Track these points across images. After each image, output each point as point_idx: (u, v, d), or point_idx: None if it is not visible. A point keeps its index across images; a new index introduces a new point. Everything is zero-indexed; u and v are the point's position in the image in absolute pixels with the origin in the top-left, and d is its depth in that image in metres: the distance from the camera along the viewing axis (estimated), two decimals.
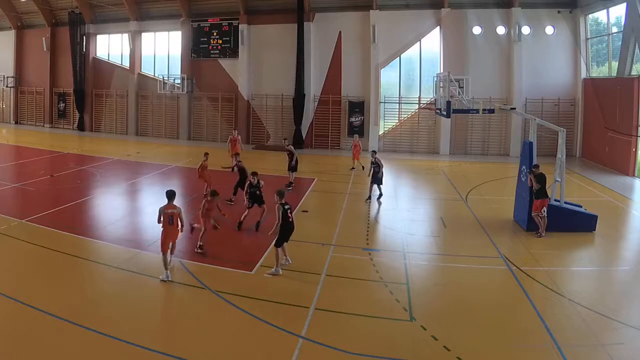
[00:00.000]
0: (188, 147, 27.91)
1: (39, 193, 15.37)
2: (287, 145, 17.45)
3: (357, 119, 26.82)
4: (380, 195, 15.34)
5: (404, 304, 8.12)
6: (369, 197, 15.25)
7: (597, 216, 12.21)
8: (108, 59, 33.32)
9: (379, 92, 26.57)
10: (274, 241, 9.49)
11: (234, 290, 8.36)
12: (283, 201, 9.40)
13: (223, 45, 29.18)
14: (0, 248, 10.35)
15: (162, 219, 8.91)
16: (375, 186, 15.35)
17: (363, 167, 20.82)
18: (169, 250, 9.12)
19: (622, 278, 9.74)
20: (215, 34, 29.28)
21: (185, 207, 14.12)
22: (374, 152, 16.39)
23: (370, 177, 15.34)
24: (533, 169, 11.75)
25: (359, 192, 16.49)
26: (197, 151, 25.81)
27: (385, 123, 27.18)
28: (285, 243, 9.50)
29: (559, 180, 12.16)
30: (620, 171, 19.98)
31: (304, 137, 27.29)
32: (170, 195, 9.28)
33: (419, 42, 26.15)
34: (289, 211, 9.37)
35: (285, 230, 9.36)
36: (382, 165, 15.31)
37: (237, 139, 20.07)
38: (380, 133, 26.87)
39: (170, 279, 8.84)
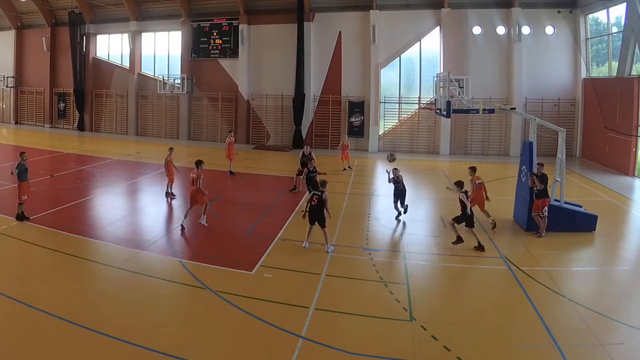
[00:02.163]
0: (188, 147, 27.90)
1: (39, 193, 15.35)
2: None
3: (357, 119, 26.83)
4: (399, 214, 13.42)
5: (404, 304, 8.12)
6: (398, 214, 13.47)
7: (597, 216, 12.21)
8: (108, 59, 33.34)
9: (379, 92, 26.58)
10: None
11: (234, 290, 8.36)
12: (321, 189, 10.73)
13: (223, 45, 29.19)
14: (0, 248, 10.35)
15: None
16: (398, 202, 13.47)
17: (350, 167, 20.68)
18: (190, 207, 12.09)
19: (622, 278, 9.73)
20: (215, 34, 29.29)
21: (186, 207, 14.13)
22: (395, 169, 13.74)
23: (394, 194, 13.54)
24: (538, 167, 11.69)
25: (359, 192, 16.50)
26: (197, 151, 25.86)
27: (385, 123, 27.18)
28: (311, 225, 10.71)
29: (559, 180, 12.16)
30: (620, 171, 19.98)
31: (304, 137, 27.30)
32: (196, 162, 12.27)
33: (419, 42, 26.16)
34: (314, 197, 10.65)
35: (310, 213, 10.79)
36: (399, 180, 13.39)
37: (231, 142, 19.23)
38: (380, 133, 26.87)
39: (183, 226, 11.81)
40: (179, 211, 13.70)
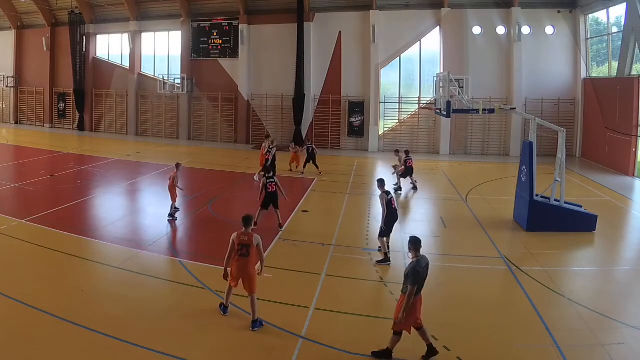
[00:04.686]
0: (188, 147, 27.92)
1: (39, 193, 15.37)
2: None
3: (357, 119, 26.84)
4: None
5: None
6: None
7: (597, 216, 12.21)
8: (108, 59, 33.34)
9: (379, 92, 26.57)
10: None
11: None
12: (268, 173, 12.47)
13: (223, 45, 29.19)
14: (0, 248, 10.35)
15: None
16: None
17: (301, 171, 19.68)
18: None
19: (622, 278, 9.73)
20: (215, 34, 29.29)
21: (186, 207, 14.15)
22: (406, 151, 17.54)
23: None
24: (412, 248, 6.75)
25: (359, 192, 16.50)
26: (197, 151, 25.90)
27: (385, 123, 27.18)
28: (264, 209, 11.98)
29: (559, 180, 12.16)
30: (620, 171, 19.98)
31: (304, 137, 27.27)
32: (175, 165, 13.05)
33: (419, 42, 26.16)
34: (271, 183, 11.91)
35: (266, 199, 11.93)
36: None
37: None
38: (380, 133, 26.86)
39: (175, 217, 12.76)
40: (180, 211, 13.69)
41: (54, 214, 12.97)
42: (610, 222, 13.08)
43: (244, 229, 7.45)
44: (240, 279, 7.34)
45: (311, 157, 19.53)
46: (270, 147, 17.60)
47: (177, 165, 13.20)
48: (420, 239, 6.71)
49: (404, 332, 6.46)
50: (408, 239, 6.75)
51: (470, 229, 12.47)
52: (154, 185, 17.35)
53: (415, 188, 16.95)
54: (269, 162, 17.36)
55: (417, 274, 6.38)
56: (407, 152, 17.33)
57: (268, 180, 11.96)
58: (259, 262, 7.45)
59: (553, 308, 8.04)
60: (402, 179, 17.06)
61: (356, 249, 10.82)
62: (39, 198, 14.83)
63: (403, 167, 16.84)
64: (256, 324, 7.22)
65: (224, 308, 7.60)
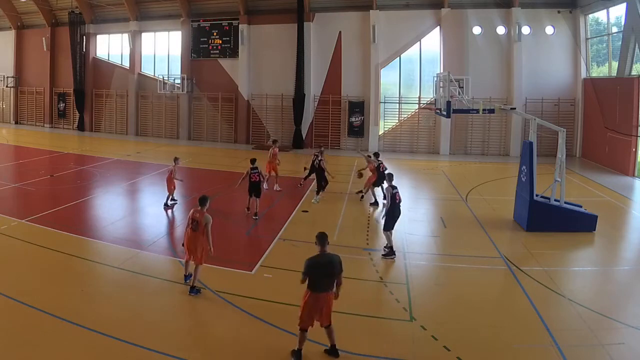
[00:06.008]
0: (188, 147, 27.92)
1: (39, 193, 15.37)
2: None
3: (357, 119, 26.85)
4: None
5: (404, 304, 8.12)
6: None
7: (597, 216, 12.21)
8: (108, 59, 33.33)
9: (379, 92, 26.57)
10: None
11: (234, 290, 8.36)
12: (252, 164, 13.12)
13: (223, 45, 29.19)
14: (0, 248, 10.35)
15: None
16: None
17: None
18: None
19: (622, 278, 9.73)
20: (215, 33, 29.29)
21: (186, 207, 14.15)
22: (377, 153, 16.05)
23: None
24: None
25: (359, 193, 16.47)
26: (197, 151, 25.90)
27: (385, 123, 27.18)
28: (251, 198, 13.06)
29: (559, 180, 12.16)
30: (620, 171, 19.98)
31: (304, 137, 27.31)
32: (174, 159, 14.10)
33: (419, 42, 26.16)
34: (255, 174, 12.95)
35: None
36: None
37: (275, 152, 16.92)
38: (380, 133, 26.87)
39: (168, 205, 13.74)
40: (179, 211, 13.71)
41: (54, 214, 12.97)
42: (610, 222, 13.08)
43: (199, 207, 8.38)
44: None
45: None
46: (320, 157, 15.66)
47: (175, 160, 14.25)
48: (327, 234, 6.67)
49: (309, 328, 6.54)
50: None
51: (470, 229, 12.46)
52: (154, 185, 17.33)
53: (375, 203, 14.67)
54: (315, 172, 15.59)
55: (311, 265, 6.51)
56: (377, 155, 15.72)
57: (252, 171, 12.93)
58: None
59: (553, 308, 8.04)
60: (374, 189, 14.96)
61: (356, 249, 10.82)
62: (39, 198, 14.84)
63: (366, 172, 14.99)
64: (193, 290, 8.19)
65: (185, 277, 8.64)
